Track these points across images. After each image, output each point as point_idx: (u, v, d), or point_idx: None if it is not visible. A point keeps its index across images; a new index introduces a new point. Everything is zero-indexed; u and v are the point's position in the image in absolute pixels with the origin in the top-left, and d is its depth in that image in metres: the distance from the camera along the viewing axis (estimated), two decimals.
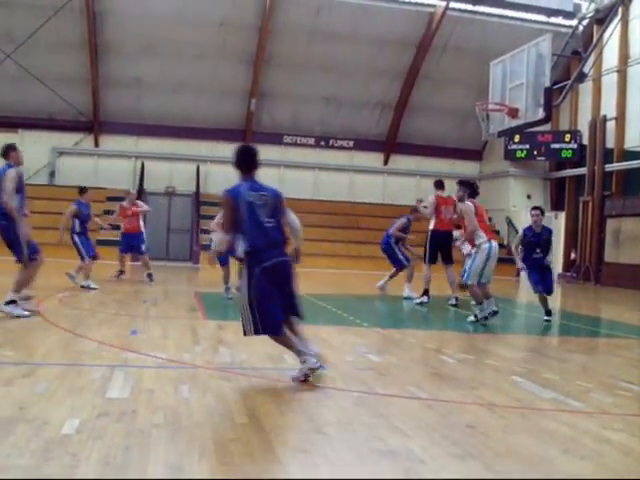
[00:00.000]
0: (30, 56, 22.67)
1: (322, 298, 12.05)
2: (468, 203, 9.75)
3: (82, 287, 11.95)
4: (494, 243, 9.67)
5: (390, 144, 27.06)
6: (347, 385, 5.35)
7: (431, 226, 12.23)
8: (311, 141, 26.68)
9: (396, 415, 4.54)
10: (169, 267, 20.20)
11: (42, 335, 7.04)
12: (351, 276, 19.95)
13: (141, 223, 14.44)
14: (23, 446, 3.47)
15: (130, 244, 14.36)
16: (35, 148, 24.11)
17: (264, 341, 5.63)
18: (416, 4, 23.46)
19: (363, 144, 26.94)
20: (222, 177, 24.12)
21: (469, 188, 10.01)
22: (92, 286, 12.01)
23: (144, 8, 22.43)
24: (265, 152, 23.74)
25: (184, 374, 5.46)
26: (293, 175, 26.21)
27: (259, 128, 25.71)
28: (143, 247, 14.20)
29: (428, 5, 23.51)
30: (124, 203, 14.51)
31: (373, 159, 27.33)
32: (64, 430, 3.77)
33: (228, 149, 23.15)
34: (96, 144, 25.45)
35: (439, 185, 12.47)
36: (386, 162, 27.46)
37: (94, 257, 12.63)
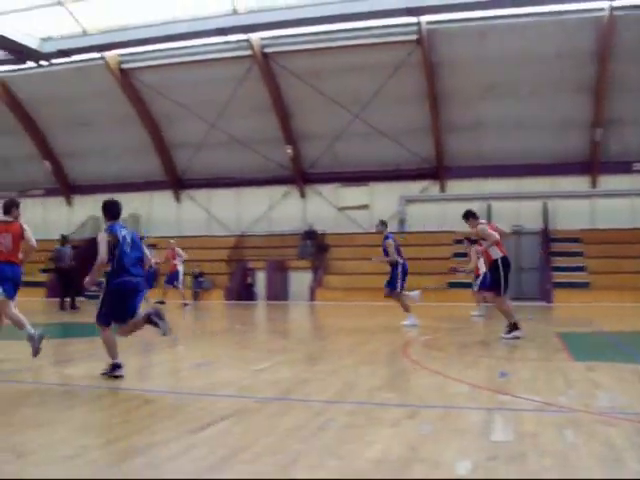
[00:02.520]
0: (375, 113, 24.34)
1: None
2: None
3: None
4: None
5: None
6: None
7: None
8: None
9: None
10: (523, 306, 19.91)
11: (414, 377, 7.36)
12: None
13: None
14: None
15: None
16: (385, 198, 25.68)
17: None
18: None
19: None
20: (569, 212, 23.40)
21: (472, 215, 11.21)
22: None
23: (479, 53, 22.86)
24: (613, 182, 22.62)
25: (564, 418, 5.30)
26: None
27: (606, 158, 24.46)
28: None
29: None
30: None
31: None
32: (458, 471, 3.88)
33: (573, 183, 22.42)
34: (442, 189, 26.25)
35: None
36: None
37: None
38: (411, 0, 21.00)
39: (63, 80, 26.37)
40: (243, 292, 24.89)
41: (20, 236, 8.19)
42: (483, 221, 11.60)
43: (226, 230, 27.94)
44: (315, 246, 25.55)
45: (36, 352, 7.69)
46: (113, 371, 6.86)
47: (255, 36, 23.42)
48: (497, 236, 10.56)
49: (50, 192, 30.86)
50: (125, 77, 25.99)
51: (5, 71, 26.55)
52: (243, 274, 25.53)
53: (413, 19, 22.07)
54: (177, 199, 28.85)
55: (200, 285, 24.65)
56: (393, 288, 13.31)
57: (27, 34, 22.01)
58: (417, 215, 26.14)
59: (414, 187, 26.50)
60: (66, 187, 30.50)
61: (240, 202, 27.87)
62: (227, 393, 6.31)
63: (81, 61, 25.27)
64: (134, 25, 22.81)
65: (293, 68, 24.38)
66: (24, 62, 23.67)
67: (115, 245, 6.88)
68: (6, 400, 6.01)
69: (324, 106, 25.08)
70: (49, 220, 30.54)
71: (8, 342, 11.64)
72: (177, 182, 28.69)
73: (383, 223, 13.94)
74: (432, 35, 22.90)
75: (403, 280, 13.33)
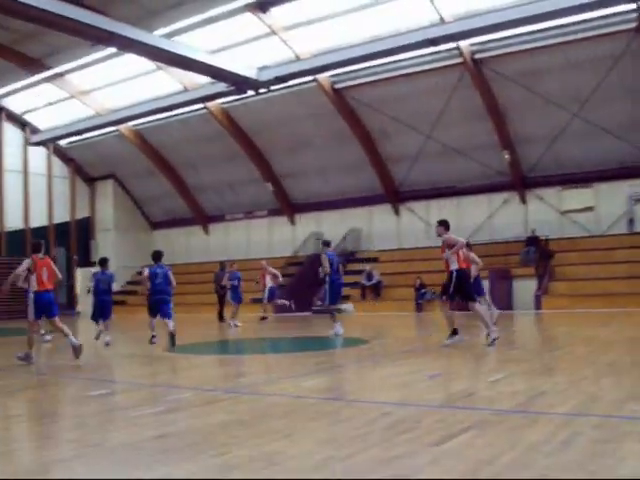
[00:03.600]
0: (596, 110, 23.13)
1: None
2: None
3: None
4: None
5: None
6: None
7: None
8: None
9: None
10: None
11: None
12: None
13: None
14: None
15: None
16: (610, 199, 24.29)
17: None
18: None
19: None
20: None
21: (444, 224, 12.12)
22: None
23: None
24: None
25: None
26: None
27: None
28: None
29: None
30: None
31: None
32: None
33: None
34: None
35: None
36: None
37: None
38: None
39: (280, 105, 27.71)
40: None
41: (51, 267, 11.02)
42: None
43: None
44: (538, 252, 24.66)
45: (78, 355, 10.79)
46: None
47: (464, 43, 23.16)
48: (463, 242, 11.80)
49: (273, 212, 32.47)
50: (338, 96, 26.78)
51: (227, 102, 28.39)
52: None
53: (631, 5, 20.65)
54: (396, 212, 29.15)
55: (422, 297, 24.69)
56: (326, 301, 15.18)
57: (246, 65, 23.35)
58: None
59: None
60: (288, 206, 31.90)
61: (459, 211, 27.60)
62: (464, 405, 6.24)
63: (295, 85, 26.37)
64: (343, 46, 23.41)
65: (505, 71, 23.82)
66: (245, 92, 25.10)
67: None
68: (254, 412, 6.37)
69: (540, 107, 24.23)
70: (273, 240, 32.15)
71: (247, 356, 12.39)
72: (395, 195, 29.00)
73: (325, 243, 15.66)
74: None
75: (334, 295, 15.01)
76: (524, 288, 23.96)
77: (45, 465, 4.74)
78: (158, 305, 13.70)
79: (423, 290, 24.79)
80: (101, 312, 14.75)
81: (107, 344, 14.03)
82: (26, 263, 10.87)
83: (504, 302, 24.10)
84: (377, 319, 21.53)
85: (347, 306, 16.23)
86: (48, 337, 15.88)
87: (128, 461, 4.67)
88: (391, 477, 4.05)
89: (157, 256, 14.15)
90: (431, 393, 7.07)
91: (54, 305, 11.04)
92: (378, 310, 24.45)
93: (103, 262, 15.00)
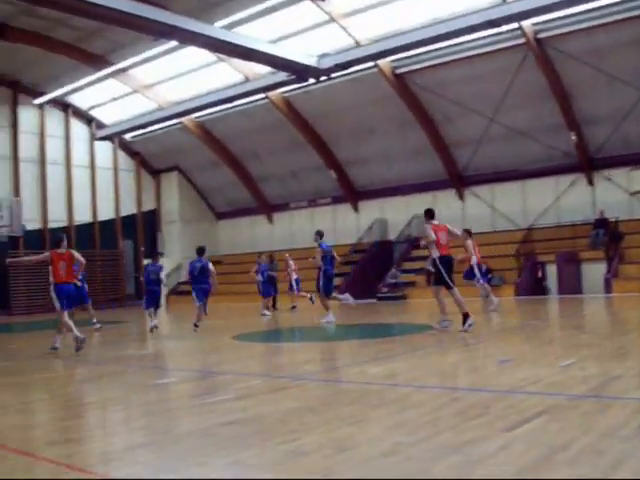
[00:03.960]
0: None
1: None
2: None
3: None
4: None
5: None
6: None
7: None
8: None
9: None
10: None
11: None
12: None
13: None
14: None
15: None
16: None
17: None
18: None
19: None
20: None
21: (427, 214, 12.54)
22: None
23: None
24: None
25: None
26: None
27: None
28: None
29: None
30: None
31: None
32: None
33: None
34: None
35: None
36: None
37: None
38: None
39: (341, 92, 27.61)
40: (534, 287, 24.17)
41: (72, 261, 11.59)
42: (435, 222, 12.42)
43: (512, 224, 27.31)
44: (608, 234, 24.05)
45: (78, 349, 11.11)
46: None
47: (527, 23, 22.64)
48: (433, 237, 12.01)
49: (337, 200, 32.46)
50: (400, 81, 26.53)
51: (288, 90, 28.44)
52: (533, 268, 24.78)
53: None
54: (460, 197, 28.81)
55: (489, 282, 24.35)
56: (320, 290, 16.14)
57: (306, 54, 23.33)
58: None
59: None
60: (351, 194, 31.85)
61: (525, 194, 27.10)
62: (535, 390, 6.14)
63: (356, 72, 26.21)
64: (403, 30, 23.12)
65: (569, 50, 23.17)
66: (306, 80, 25.09)
67: None
68: (322, 399, 6.40)
69: (606, 86, 23.53)
70: (337, 227, 32.16)
71: (312, 344, 12.45)
72: (459, 180, 28.65)
73: (319, 234, 16.54)
74: None
75: (327, 285, 16.05)
76: (593, 271, 23.43)
77: (116, 452, 4.85)
78: (195, 293, 15.45)
79: (490, 275, 24.44)
80: (152, 301, 16.24)
81: (155, 327, 15.52)
82: (43, 256, 12.16)
83: (572, 286, 23.66)
84: None
85: (345, 296, 16.58)
86: (97, 324, 16.83)
87: (197, 448, 4.74)
88: (462, 462, 4.02)
89: (200, 251, 15.66)
90: (501, 378, 6.97)
91: (72, 296, 11.83)
92: (444, 296, 24.17)
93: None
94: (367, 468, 4.03)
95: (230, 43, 21.16)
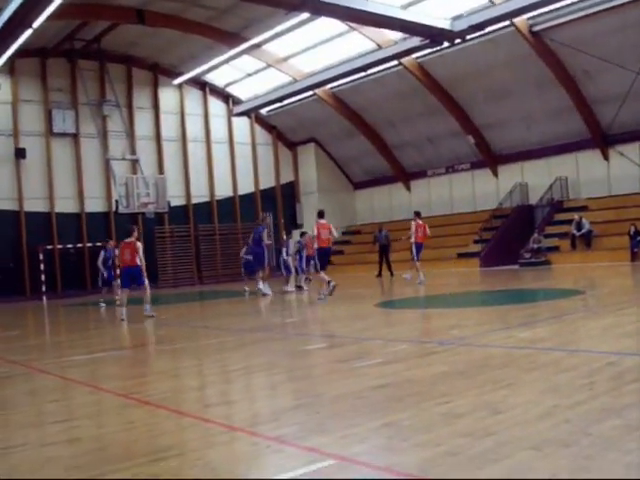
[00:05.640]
0: None
1: None
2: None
3: None
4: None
5: None
6: None
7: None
8: None
9: None
10: None
11: None
12: None
13: None
14: None
15: None
16: None
17: None
18: None
19: None
20: None
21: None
22: None
23: None
24: None
25: None
26: None
27: None
28: None
29: None
30: None
31: None
32: None
33: None
34: None
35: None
36: None
37: None
38: None
39: (475, 54, 26.89)
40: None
41: (136, 250, 13.89)
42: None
43: None
44: None
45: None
46: None
47: None
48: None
49: (475, 165, 31.82)
50: (537, 40, 25.52)
51: (421, 56, 28.00)
52: None
53: None
54: (605, 157, 27.53)
55: (637, 245, 23.28)
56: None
57: (439, 17, 22.91)
58: None
59: None
60: (490, 158, 31.13)
61: None
62: None
63: (491, 32, 25.45)
64: None
65: None
66: (440, 44, 24.66)
67: None
68: (471, 363, 6.40)
69: None
70: (477, 192, 31.60)
71: (454, 310, 12.40)
72: (603, 139, 27.35)
73: (319, 214, 16.51)
74: None
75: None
76: None
77: (273, 414, 5.06)
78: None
79: (638, 238, 23.35)
80: (255, 263, 18.68)
81: (259, 292, 17.98)
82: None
83: None
84: (590, 270, 20.65)
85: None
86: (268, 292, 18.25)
87: (351, 410, 4.88)
88: (622, 426, 3.94)
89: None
90: None
91: (127, 277, 14.18)
92: (590, 260, 23.37)
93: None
94: (524, 430, 4.03)
95: (362, 11, 21.11)
